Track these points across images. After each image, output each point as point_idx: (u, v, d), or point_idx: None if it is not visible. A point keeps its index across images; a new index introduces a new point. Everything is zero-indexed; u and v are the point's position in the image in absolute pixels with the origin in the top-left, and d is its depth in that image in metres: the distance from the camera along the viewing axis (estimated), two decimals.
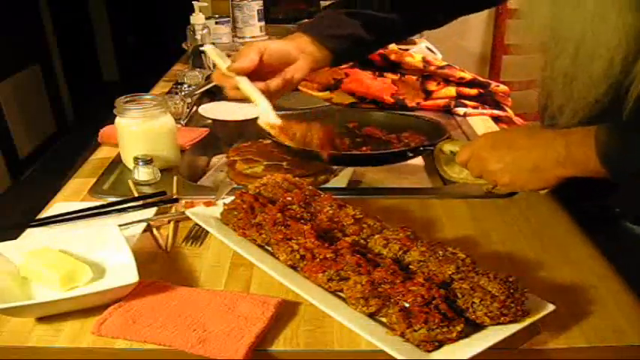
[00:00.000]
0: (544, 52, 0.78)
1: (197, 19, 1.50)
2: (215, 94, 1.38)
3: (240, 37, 1.84)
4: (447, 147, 0.86)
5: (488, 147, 0.77)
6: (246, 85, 0.85)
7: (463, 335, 0.55)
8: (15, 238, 0.74)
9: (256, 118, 0.89)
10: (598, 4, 0.67)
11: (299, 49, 0.90)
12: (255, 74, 0.86)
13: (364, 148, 1.01)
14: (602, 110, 0.72)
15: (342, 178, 1.06)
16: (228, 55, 0.90)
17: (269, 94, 0.87)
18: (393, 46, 1.41)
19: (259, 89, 0.86)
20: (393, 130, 1.09)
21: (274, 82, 0.87)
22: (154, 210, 0.84)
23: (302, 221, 0.71)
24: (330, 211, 0.73)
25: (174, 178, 0.94)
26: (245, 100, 1.09)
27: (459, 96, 1.32)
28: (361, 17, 0.93)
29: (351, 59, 1.06)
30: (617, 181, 0.71)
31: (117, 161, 1.02)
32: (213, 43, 1.46)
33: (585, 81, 0.72)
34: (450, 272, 0.61)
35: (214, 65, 0.94)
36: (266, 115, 0.87)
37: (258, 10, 1.82)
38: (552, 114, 0.79)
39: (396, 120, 1.13)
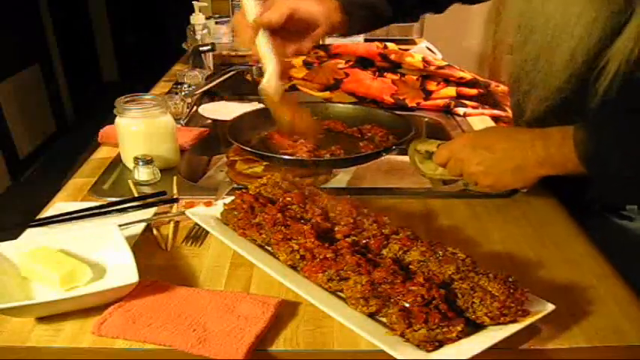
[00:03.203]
0: (515, 36, 0.81)
1: (197, 19, 1.50)
2: (215, 94, 1.38)
3: None
4: (422, 147, 0.86)
5: (468, 149, 0.78)
6: (263, 43, 0.81)
7: (463, 335, 0.55)
8: (15, 238, 0.74)
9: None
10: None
11: (325, 16, 0.86)
12: (275, 31, 0.83)
13: (333, 148, 1.00)
14: (566, 100, 0.74)
15: (342, 178, 1.06)
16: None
17: (281, 58, 0.83)
18: (393, 46, 1.41)
19: (274, 52, 0.82)
20: (353, 123, 1.09)
21: (291, 49, 0.86)
22: (153, 210, 0.84)
23: (302, 221, 0.71)
24: (328, 206, 0.74)
25: (174, 178, 0.94)
26: (242, 100, 1.11)
27: (459, 96, 1.32)
28: None
29: (360, 31, 1.04)
30: (596, 179, 0.72)
31: (117, 161, 1.02)
32: (213, 44, 1.46)
33: (547, 69, 0.75)
34: (450, 272, 0.61)
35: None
36: (270, 82, 0.82)
37: None
38: (518, 100, 0.81)
39: (355, 112, 1.12)
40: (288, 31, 0.84)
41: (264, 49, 0.82)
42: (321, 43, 0.99)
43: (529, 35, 0.78)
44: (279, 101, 0.85)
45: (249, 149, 0.95)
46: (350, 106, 1.16)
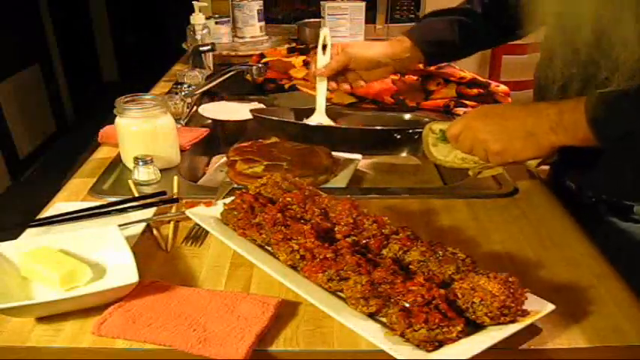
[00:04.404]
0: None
1: (197, 19, 1.50)
2: (215, 94, 1.38)
3: (240, 37, 1.84)
4: (437, 126, 0.86)
5: (481, 117, 0.78)
6: (319, 88, 1.09)
7: (463, 335, 0.55)
8: (15, 238, 0.74)
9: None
10: None
11: (390, 57, 1.06)
12: (342, 72, 1.08)
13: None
14: (588, 62, 0.74)
15: (342, 178, 1.06)
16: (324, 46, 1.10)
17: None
18: None
19: (329, 89, 1.10)
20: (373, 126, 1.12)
21: (344, 87, 1.10)
22: (153, 210, 0.84)
23: (302, 221, 0.71)
24: (328, 206, 0.74)
25: (175, 178, 0.94)
26: (242, 100, 1.24)
27: (459, 96, 1.32)
28: (456, 24, 1.06)
29: (442, 61, 1.21)
30: (605, 146, 0.71)
31: (117, 161, 1.02)
32: (213, 44, 1.46)
33: (619, 43, 0.72)
34: (450, 272, 0.61)
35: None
36: (316, 118, 1.08)
37: (258, 10, 1.82)
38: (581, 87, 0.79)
39: (377, 118, 1.16)
40: (352, 70, 1.08)
41: (319, 92, 1.10)
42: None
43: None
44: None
45: (272, 117, 1.02)
46: (370, 113, 1.19)
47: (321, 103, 1.09)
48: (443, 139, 0.84)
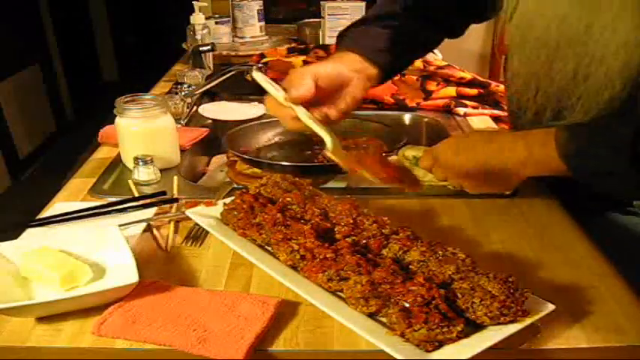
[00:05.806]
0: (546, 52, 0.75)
1: (197, 19, 1.50)
2: (215, 94, 1.38)
3: (240, 37, 1.84)
4: (409, 152, 0.87)
5: (451, 153, 0.77)
6: (305, 117, 0.78)
7: (463, 335, 0.55)
8: (15, 238, 0.74)
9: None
10: (616, 5, 0.63)
11: (351, 69, 0.84)
12: (310, 101, 0.79)
13: (322, 157, 1.02)
14: (613, 107, 0.70)
15: (342, 179, 1.06)
16: (276, 82, 0.82)
17: (329, 123, 0.81)
18: None
19: (319, 120, 0.79)
20: (350, 136, 1.10)
21: (333, 112, 0.81)
22: (153, 210, 0.84)
23: (302, 221, 0.71)
24: (328, 206, 0.74)
25: (175, 178, 0.94)
26: (242, 100, 1.19)
27: (459, 96, 1.33)
28: (388, 29, 0.88)
29: (393, 74, 0.97)
30: (580, 180, 0.71)
31: (117, 161, 1.02)
32: (213, 44, 1.46)
33: (600, 79, 0.69)
34: (450, 272, 0.61)
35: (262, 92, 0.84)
36: (335, 152, 0.79)
37: (258, 10, 1.82)
38: (554, 114, 0.77)
39: (354, 125, 1.13)
40: (319, 97, 0.80)
41: (310, 121, 0.78)
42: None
43: (568, 50, 0.69)
44: (345, 162, 0.82)
45: (244, 156, 0.97)
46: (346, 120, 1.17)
47: (323, 131, 0.79)
48: (416, 164, 0.86)
